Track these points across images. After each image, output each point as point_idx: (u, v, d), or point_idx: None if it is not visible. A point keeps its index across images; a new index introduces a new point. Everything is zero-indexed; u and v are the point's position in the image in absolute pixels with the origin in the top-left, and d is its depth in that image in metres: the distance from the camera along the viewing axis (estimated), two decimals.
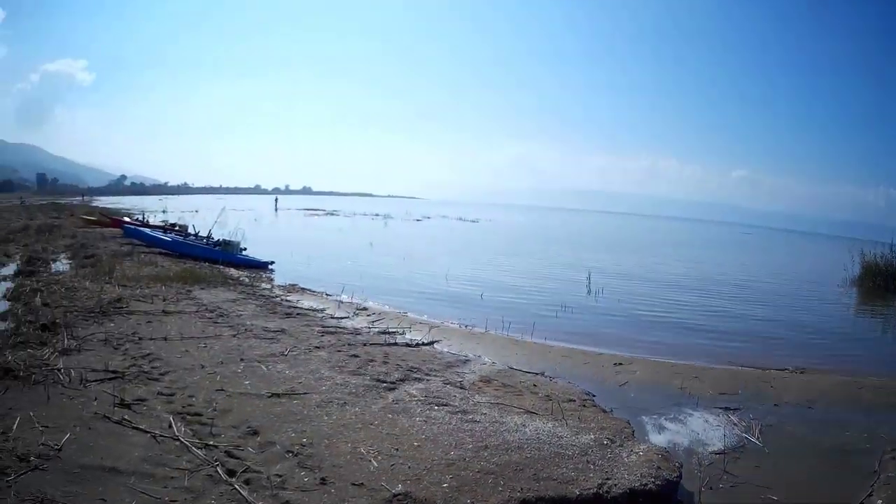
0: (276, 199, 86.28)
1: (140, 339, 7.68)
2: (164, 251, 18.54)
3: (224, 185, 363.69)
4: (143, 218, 31.30)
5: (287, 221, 50.25)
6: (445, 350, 8.73)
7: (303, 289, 13.98)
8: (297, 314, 10.43)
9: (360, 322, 10.43)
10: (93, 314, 8.89)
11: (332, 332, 9.01)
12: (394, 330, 9.67)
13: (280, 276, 16.18)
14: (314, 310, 11.13)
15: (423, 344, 8.96)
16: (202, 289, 12.08)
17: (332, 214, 65.14)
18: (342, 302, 12.37)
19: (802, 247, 68.03)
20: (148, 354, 6.97)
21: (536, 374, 7.75)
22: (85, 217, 33.47)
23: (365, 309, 11.87)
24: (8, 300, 10.52)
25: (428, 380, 6.81)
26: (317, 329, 9.16)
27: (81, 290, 10.69)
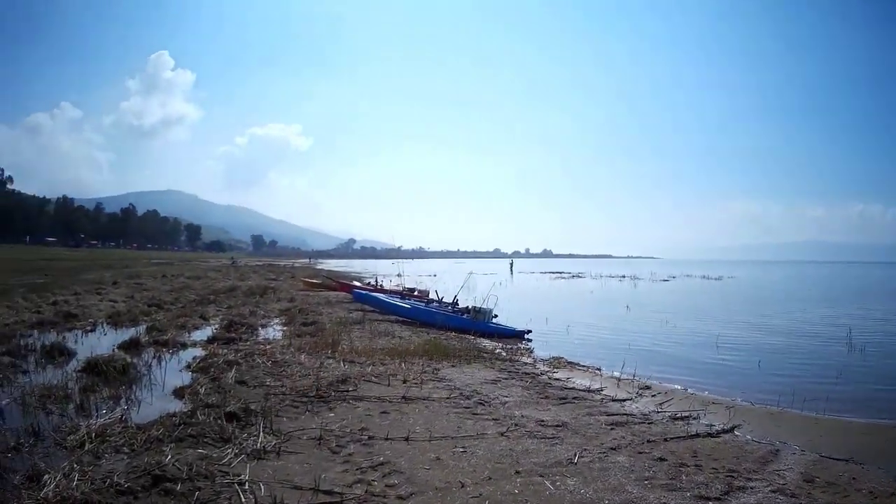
0: (512, 263, 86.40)
1: (370, 437, 5.97)
2: (401, 319, 17.39)
3: (462, 249, 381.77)
4: (377, 282, 29.94)
5: (534, 286, 48.70)
6: (749, 437, 7.08)
7: (570, 363, 12.05)
8: (574, 398, 8.43)
9: (645, 404, 8.57)
10: (306, 399, 7.25)
11: (622, 424, 7.13)
12: (686, 414, 7.91)
13: (540, 348, 14.35)
14: (590, 390, 9.17)
15: (724, 431, 7.25)
16: (452, 366, 10.34)
17: (578, 277, 63.69)
18: (619, 379, 10.39)
19: None
20: (382, 464, 5.26)
21: (847, 461, 6.28)
22: (307, 280, 32.84)
23: (648, 388, 9.85)
24: (191, 371, 9.16)
25: (753, 489, 5.22)
26: (603, 419, 7.29)
27: (294, 365, 9.26)
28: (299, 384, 7.99)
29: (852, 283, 60.26)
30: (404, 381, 8.67)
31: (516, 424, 6.66)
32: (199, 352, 10.89)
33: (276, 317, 17.37)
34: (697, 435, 6.84)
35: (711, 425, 7.40)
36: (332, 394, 7.58)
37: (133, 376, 8.68)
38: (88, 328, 13.93)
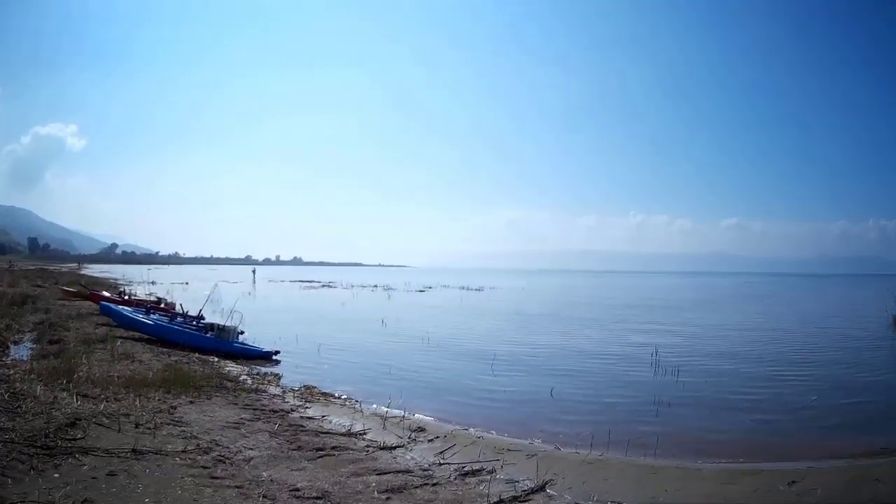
0: (254, 271, 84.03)
1: None
2: (145, 335, 15.72)
3: (215, 255, 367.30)
4: (128, 293, 27.46)
5: (283, 296, 46.59)
6: (569, 499, 5.93)
7: (324, 394, 10.97)
8: (333, 448, 7.17)
9: (423, 453, 7.41)
10: (34, 450, 5.70)
11: (399, 489, 5.81)
12: (478, 466, 6.72)
13: (289, 372, 13.24)
14: (352, 434, 8.08)
15: (535, 490, 6.02)
16: (191, 401, 8.92)
17: (329, 286, 62.33)
18: (385, 417, 9.25)
19: (817, 290, 66.48)
20: None
21: None
22: (65, 288, 31.68)
23: (422, 430, 8.65)
24: None
25: None
26: (374, 481, 5.99)
27: (29, 398, 7.53)
28: (29, 426, 6.37)
29: (619, 294, 61.11)
30: (136, 426, 7.14)
31: (264, 496, 5.32)
32: None
33: (29, 331, 15.59)
34: (502, 501, 5.62)
35: (514, 482, 6.22)
36: (60, 442, 6.07)
37: None
38: None
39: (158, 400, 8.63)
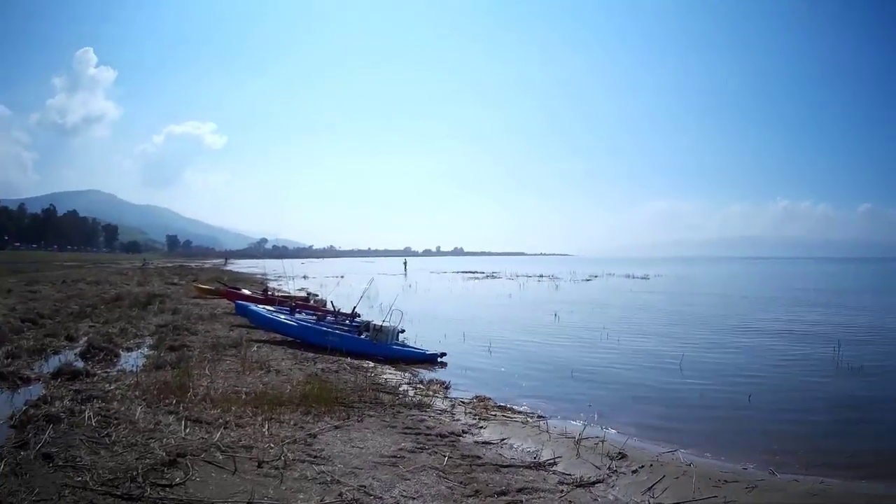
0: (405, 263, 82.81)
1: None
2: (288, 338, 14.13)
3: (373, 248, 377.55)
4: (272, 289, 26.05)
5: (447, 287, 43.76)
6: None
7: (500, 407, 8.92)
8: (520, 489, 5.38)
9: (628, 490, 5.70)
10: (109, 500, 4.48)
11: None
12: None
13: (457, 378, 11.29)
14: (540, 465, 6.26)
15: None
16: (336, 426, 7.08)
17: (493, 277, 59.76)
18: (577, 439, 7.16)
19: None
20: None
21: None
22: (200, 286, 29.29)
23: (623, 456, 6.63)
24: (12, 426, 6.38)
25: None
26: None
27: (124, 423, 6.29)
28: (115, 463, 5.15)
29: (795, 281, 56.66)
30: (259, 464, 5.57)
31: None
32: (39, 388, 8.49)
33: (149, 335, 14.14)
34: None
35: None
36: (149, 490, 4.68)
37: None
38: None
39: (294, 425, 6.97)
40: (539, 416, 8.46)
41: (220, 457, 5.63)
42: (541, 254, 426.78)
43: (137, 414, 6.68)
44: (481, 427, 7.70)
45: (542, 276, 59.16)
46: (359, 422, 7.42)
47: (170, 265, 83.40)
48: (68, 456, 5.35)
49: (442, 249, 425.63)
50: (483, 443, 7.04)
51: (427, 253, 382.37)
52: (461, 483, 5.53)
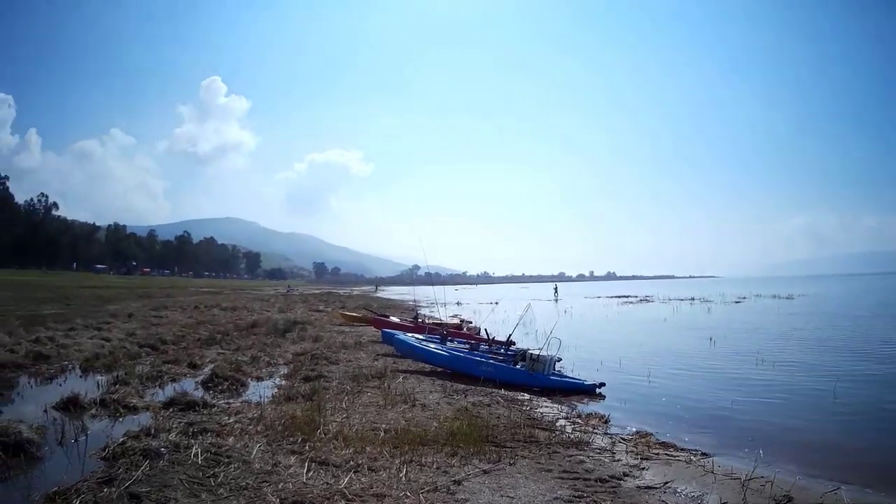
0: (556, 288, 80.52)
1: None
2: (437, 368, 13.49)
3: (527, 273, 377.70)
4: (423, 316, 25.19)
5: (602, 313, 42.02)
6: None
7: (662, 444, 8.02)
8: None
9: None
10: None
11: None
12: None
13: (615, 409, 10.42)
14: None
15: None
16: (485, 471, 6.28)
17: (646, 301, 57.66)
18: (744, 481, 6.33)
19: None
20: None
21: None
22: (346, 313, 28.95)
23: (789, 499, 5.97)
24: (103, 457, 6.13)
25: None
26: None
27: (236, 463, 5.82)
28: None
29: None
30: None
31: None
32: (147, 418, 8.07)
33: (284, 364, 13.89)
34: None
35: None
36: None
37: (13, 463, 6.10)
38: (51, 374, 11.77)
39: (437, 468, 6.25)
40: (703, 454, 7.54)
41: None
42: (690, 276, 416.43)
43: (254, 452, 6.22)
44: (643, 468, 6.84)
45: (693, 298, 56.71)
46: (511, 465, 6.60)
47: (316, 292, 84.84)
48: (161, 497, 4.99)
49: (595, 274, 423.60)
50: (646, 488, 6.20)
51: (580, 278, 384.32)
52: None
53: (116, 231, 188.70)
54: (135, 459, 5.82)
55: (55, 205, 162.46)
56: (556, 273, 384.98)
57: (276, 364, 13.81)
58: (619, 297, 69.77)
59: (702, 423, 9.48)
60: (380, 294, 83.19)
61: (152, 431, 6.81)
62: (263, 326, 21.77)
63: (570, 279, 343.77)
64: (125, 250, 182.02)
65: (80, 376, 11.66)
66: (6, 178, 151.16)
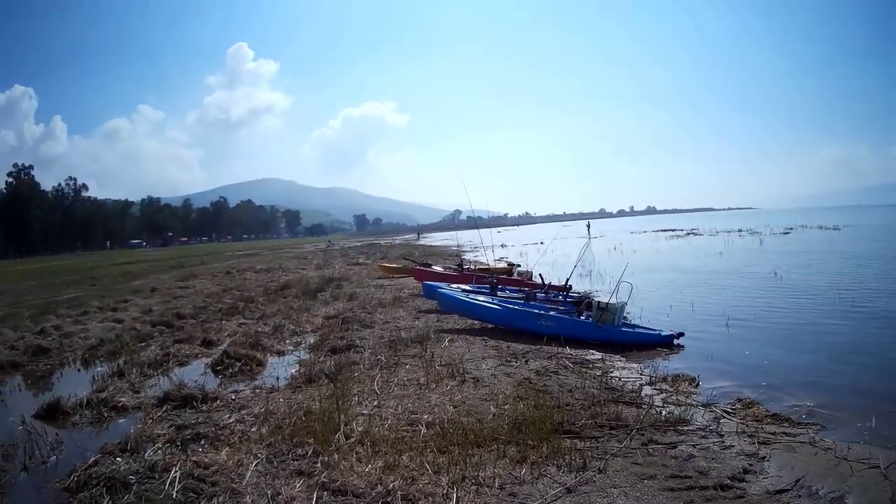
0: (589, 225, 78.18)
1: None
2: (488, 325, 11.50)
3: (568, 212, 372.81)
4: (468, 262, 23.09)
5: (653, 247, 39.71)
6: None
7: (772, 416, 6.26)
8: None
9: None
10: None
11: None
12: None
13: (700, 366, 8.52)
14: None
15: None
16: (569, 488, 4.48)
17: (693, 234, 55.14)
18: (887, 469, 4.67)
19: None
20: None
21: None
22: (385, 265, 26.98)
23: None
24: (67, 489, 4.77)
25: None
26: None
27: (222, 496, 4.33)
28: None
29: None
30: None
31: None
32: (137, 420, 6.76)
33: (312, 331, 12.25)
34: None
35: None
36: None
37: None
38: (46, 371, 10.28)
39: (500, 488, 4.44)
40: (821, 428, 5.94)
41: None
42: (728, 208, 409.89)
43: (248, 476, 4.64)
44: (763, 458, 5.07)
45: (740, 230, 53.72)
46: (600, 472, 4.75)
47: (357, 244, 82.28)
48: None
49: (635, 209, 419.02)
50: (776, 492, 4.51)
51: (621, 213, 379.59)
52: None
53: (150, 204, 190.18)
54: (97, 493, 4.47)
55: (84, 186, 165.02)
56: (596, 210, 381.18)
57: (304, 332, 12.26)
58: (665, 230, 67.36)
59: (801, 384, 7.62)
60: (422, 241, 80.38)
61: (130, 446, 5.43)
62: (295, 287, 20.19)
63: (610, 215, 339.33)
64: (160, 222, 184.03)
65: (79, 370, 10.26)
66: (30, 167, 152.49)
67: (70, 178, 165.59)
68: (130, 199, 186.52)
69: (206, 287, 23.30)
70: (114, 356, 10.44)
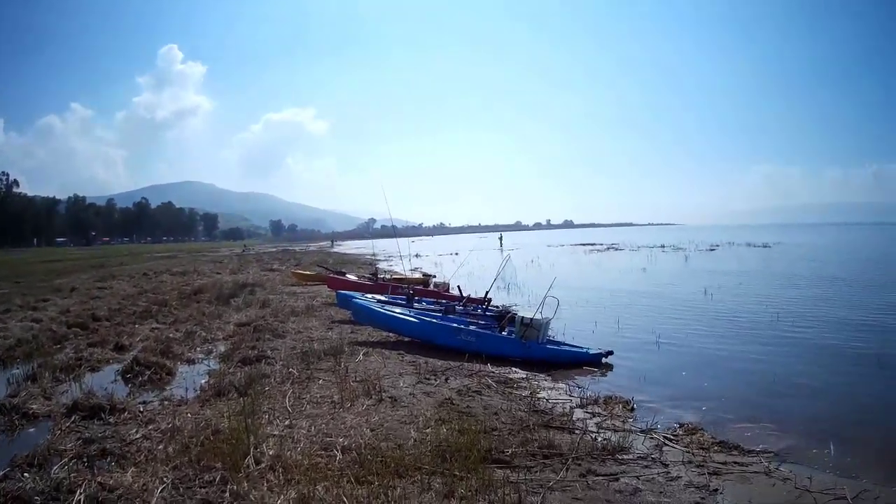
0: (501, 237, 79.63)
1: None
2: (405, 338, 10.91)
3: (483, 223, 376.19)
4: (383, 272, 22.58)
5: (573, 261, 39.72)
6: None
7: (720, 443, 5.78)
8: None
9: None
10: None
11: None
12: None
13: (631, 387, 8.08)
14: None
15: None
16: (490, 501, 4.08)
17: (614, 248, 55.68)
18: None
19: None
20: None
21: None
22: (298, 272, 26.49)
23: None
24: None
25: None
26: None
27: None
28: None
29: None
30: None
31: None
32: (47, 429, 6.14)
33: (224, 338, 11.66)
34: None
35: None
36: None
37: None
38: None
39: None
40: (775, 457, 5.47)
41: None
42: (649, 224, 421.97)
43: (153, 502, 4.03)
44: (715, 490, 4.65)
45: (664, 246, 54.64)
46: (532, 491, 4.27)
47: (272, 250, 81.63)
48: None
49: (552, 223, 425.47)
50: None
51: (538, 226, 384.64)
52: None
53: (76, 203, 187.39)
54: None
55: (16, 182, 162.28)
56: (512, 222, 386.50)
57: (215, 340, 11.64)
58: (585, 244, 67.89)
59: (741, 406, 7.31)
60: (336, 249, 79.53)
61: (37, 461, 4.95)
62: (209, 292, 19.54)
63: (526, 227, 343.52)
64: (85, 221, 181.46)
65: None
66: None
67: (3, 173, 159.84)
68: (58, 197, 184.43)
69: (124, 288, 22.62)
70: (29, 358, 9.93)
